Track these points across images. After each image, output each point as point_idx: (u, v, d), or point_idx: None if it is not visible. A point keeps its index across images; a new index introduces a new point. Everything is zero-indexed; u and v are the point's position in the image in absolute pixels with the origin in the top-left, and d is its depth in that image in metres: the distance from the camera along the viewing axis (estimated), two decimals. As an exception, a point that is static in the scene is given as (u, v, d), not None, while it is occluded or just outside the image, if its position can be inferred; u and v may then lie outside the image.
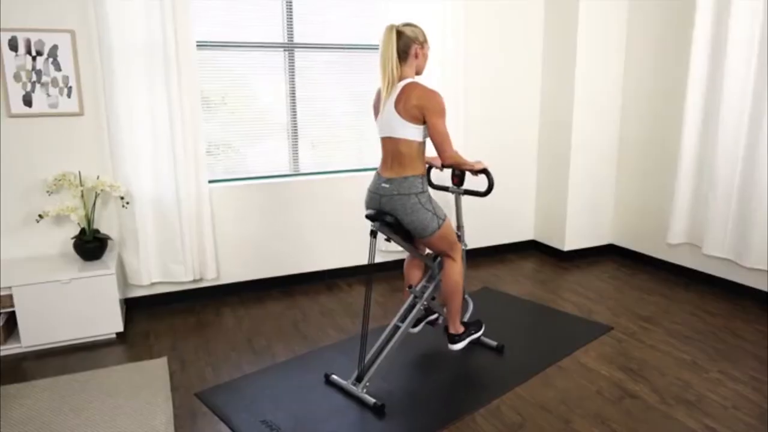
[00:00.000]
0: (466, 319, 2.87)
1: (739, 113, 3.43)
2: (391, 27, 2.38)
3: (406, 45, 2.40)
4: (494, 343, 2.93)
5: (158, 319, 3.42)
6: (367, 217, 2.51)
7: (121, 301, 3.25)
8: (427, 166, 2.96)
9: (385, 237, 2.57)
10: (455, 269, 2.56)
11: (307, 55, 3.82)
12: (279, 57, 3.75)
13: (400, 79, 2.42)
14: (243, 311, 3.51)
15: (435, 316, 2.89)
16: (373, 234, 2.52)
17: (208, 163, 3.64)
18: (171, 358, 2.91)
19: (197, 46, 3.41)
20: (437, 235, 2.46)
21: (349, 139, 4.07)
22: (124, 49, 3.16)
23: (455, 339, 2.67)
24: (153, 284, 3.54)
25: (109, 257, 3.27)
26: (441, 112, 2.35)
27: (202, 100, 3.57)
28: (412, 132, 2.38)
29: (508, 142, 4.48)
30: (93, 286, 3.03)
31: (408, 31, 2.40)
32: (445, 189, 2.90)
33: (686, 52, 3.79)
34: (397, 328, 2.68)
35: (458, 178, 2.76)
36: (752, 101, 3.37)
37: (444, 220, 2.48)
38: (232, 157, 3.76)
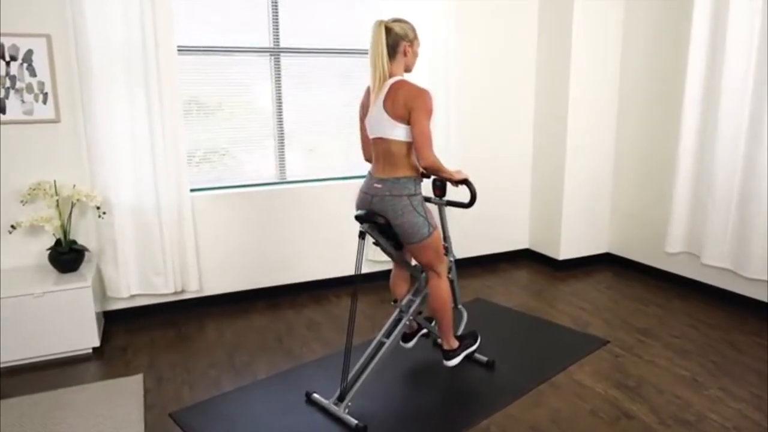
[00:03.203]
0: (460, 331, 2.75)
1: (738, 117, 3.33)
2: (379, 23, 2.30)
3: (395, 42, 2.32)
4: (485, 359, 2.81)
5: (137, 332, 3.29)
6: (357, 218, 2.41)
7: (98, 314, 3.13)
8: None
9: (374, 240, 2.47)
10: (441, 286, 2.45)
11: (294, 60, 3.72)
12: (265, 62, 3.65)
13: (390, 76, 2.34)
14: (226, 325, 3.39)
15: (423, 330, 2.76)
16: (362, 235, 2.43)
17: (190, 171, 3.53)
18: (147, 375, 2.79)
19: (179, 51, 3.31)
20: (426, 243, 2.37)
21: (338, 147, 3.96)
22: (103, 54, 3.06)
23: (450, 355, 2.57)
24: (133, 296, 3.42)
25: (87, 269, 3.15)
26: (427, 111, 2.26)
27: (184, 107, 3.46)
28: (401, 132, 2.30)
29: (501, 148, 4.37)
30: (68, 300, 2.91)
31: (397, 27, 2.32)
32: (426, 200, 2.78)
33: (684, 54, 3.69)
34: (381, 344, 2.56)
35: (439, 189, 2.65)
36: (751, 104, 3.26)
37: (435, 228, 2.39)
38: (216, 164, 3.65)
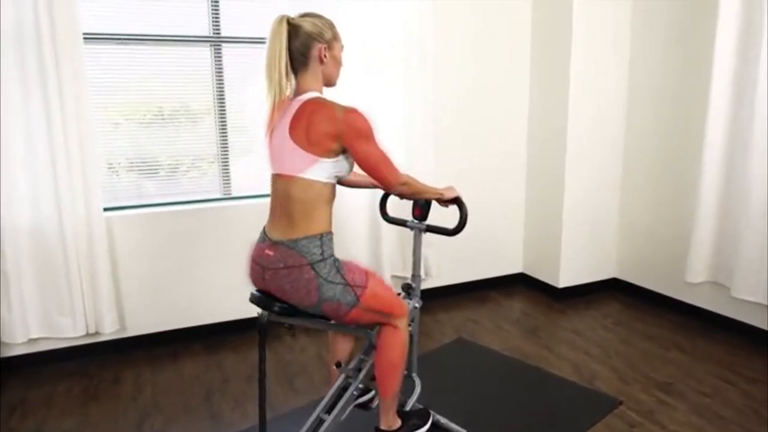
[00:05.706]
0: (408, 406, 2.06)
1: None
2: (281, 18, 1.66)
3: (305, 45, 1.68)
4: None
5: (37, 385, 2.66)
6: (252, 302, 1.76)
7: (-20, 366, 2.50)
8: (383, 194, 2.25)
9: (286, 325, 1.82)
10: (396, 340, 1.80)
11: (239, 52, 3.09)
12: (203, 54, 3.03)
13: (299, 93, 1.72)
14: (148, 374, 2.75)
15: (370, 395, 2.07)
16: (262, 330, 1.75)
17: (106, 185, 2.90)
18: (25, 452, 2.15)
19: (85, 39, 2.68)
20: (359, 309, 1.69)
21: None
22: (-13, 40, 2.45)
23: None
24: (34, 340, 2.79)
25: (-30, 309, 2.53)
26: (368, 134, 1.65)
27: (98, 108, 2.85)
28: (315, 170, 1.64)
29: (491, 159, 3.74)
30: (-69, 352, 2.28)
31: (307, 24, 1.68)
32: (402, 223, 2.15)
33: (709, 42, 3.06)
34: (320, 421, 1.91)
35: (422, 208, 2.06)
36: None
37: (364, 287, 1.70)
38: (140, 178, 3.02)
